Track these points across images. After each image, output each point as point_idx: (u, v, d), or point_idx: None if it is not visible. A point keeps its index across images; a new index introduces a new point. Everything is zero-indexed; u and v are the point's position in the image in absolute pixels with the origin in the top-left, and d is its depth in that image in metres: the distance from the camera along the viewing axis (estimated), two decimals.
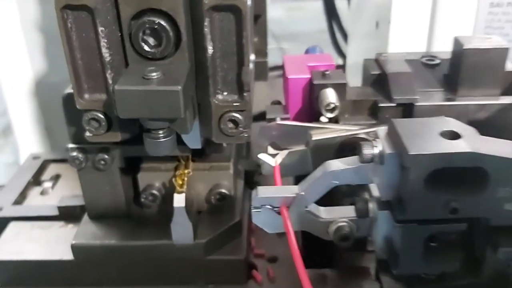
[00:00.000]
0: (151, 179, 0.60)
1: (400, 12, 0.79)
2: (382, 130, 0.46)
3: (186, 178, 0.58)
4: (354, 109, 0.59)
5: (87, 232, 0.60)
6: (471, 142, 0.42)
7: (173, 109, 0.43)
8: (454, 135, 0.43)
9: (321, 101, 0.56)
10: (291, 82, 0.59)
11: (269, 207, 0.47)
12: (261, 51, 0.79)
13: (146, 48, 0.45)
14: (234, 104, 0.48)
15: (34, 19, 0.87)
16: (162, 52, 0.45)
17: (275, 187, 0.50)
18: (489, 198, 0.43)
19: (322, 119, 0.58)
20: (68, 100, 0.54)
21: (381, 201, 0.46)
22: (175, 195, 0.56)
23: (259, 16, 0.77)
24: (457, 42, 0.58)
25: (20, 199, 0.71)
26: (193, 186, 0.60)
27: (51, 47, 0.89)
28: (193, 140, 0.53)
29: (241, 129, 0.49)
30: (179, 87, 0.42)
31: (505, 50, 0.56)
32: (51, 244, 0.62)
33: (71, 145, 0.57)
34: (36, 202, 0.71)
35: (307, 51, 0.72)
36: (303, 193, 0.47)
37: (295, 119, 0.61)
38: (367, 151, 0.44)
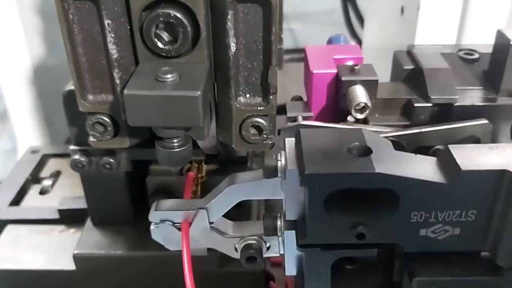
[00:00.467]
0: (160, 183, 0.55)
1: None
2: (289, 141, 0.41)
3: (199, 184, 0.52)
4: (385, 108, 0.53)
5: (90, 240, 0.55)
6: (381, 160, 0.36)
7: (190, 117, 0.37)
8: (363, 151, 0.38)
9: (350, 100, 0.51)
10: (316, 77, 0.53)
11: (169, 223, 0.44)
12: None
13: (160, 44, 0.39)
14: (258, 108, 0.42)
15: None
16: (178, 50, 0.39)
17: (176, 200, 0.46)
18: (401, 223, 0.38)
19: (350, 119, 0.52)
20: (70, 98, 0.49)
21: (287, 220, 0.42)
22: None
23: None
24: (500, 35, 0.52)
25: (17, 199, 0.66)
26: (206, 192, 0.54)
27: (49, 28, 0.83)
28: (209, 144, 0.47)
29: (264, 135, 0.43)
30: (198, 93, 0.36)
31: None
32: (51, 251, 0.58)
33: (73, 147, 0.51)
34: (35, 202, 0.66)
35: (329, 41, 0.66)
36: (206, 207, 0.43)
37: (318, 118, 0.55)
38: (269, 164, 0.40)
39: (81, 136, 0.50)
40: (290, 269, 0.44)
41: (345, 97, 0.51)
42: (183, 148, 0.41)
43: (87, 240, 0.55)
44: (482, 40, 0.72)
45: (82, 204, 0.59)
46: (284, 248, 0.44)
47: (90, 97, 0.43)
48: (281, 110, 0.54)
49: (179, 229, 0.44)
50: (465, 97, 0.51)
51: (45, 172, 0.72)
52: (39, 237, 0.59)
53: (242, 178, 0.43)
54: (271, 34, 0.39)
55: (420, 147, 0.49)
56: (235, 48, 0.39)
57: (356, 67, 0.52)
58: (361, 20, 1.19)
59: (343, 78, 0.51)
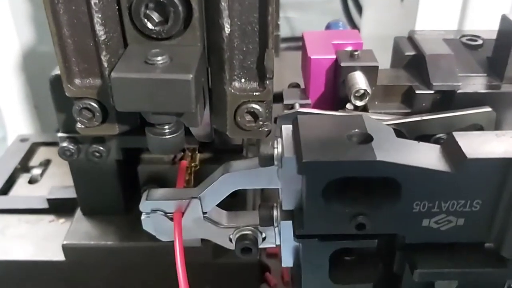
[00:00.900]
0: (152, 171, 0.53)
1: None
2: (286, 128, 0.39)
3: (192, 173, 0.51)
4: (385, 96, 0.51)
5: (80, 230, 0.54)
6: (382, 147, 0.35)
7: (182, 102, 0.35)
8: (364, 138, 0.36)
9: (349, 86, 0.49)
10: (314, 63, 0.51)
11: (161, 213, 0.42)
12: None
13: (149, 25, 0.37)
14: (254, 93, 0.40)
15: None
16: (169, 31, 0.37)
17: (168, 189, 0.44)
18: (403, 213, 0.36)
19: (348, 106, 0.51)
20: (57, 83, 0.46)
21: (283, 210, 0.40)
22: None
23: None
24: (505, 21, 0.50)
25: (6, 188, 0.64)
26: (200, 181, 0.53)
27: (39, 14, 0.80)
28: (202, 131, 0.45)
29: (260, 122, 0.41)
30: (191, 76, 0.34)
31: None
32: (40, 242, 0.56)
33: (61, 134, 0.49)
34: (24, 191, 0.64)
35: (328, 27, 0.64)
36: (199, 197, 0.42)
37: (316, 105, 0.53)
38: (265, 152, 0.38)
39: (69, 122, 0.48)
40: (287, 261, 0.43)
41: (344, 83, 0.49)
42: (174, 135, 0.39)
43: (77, 230, 0.53)
44: (484, 28, 0.71)
45: (71, 193, 0.57)
46: (280, 239, 0.42)
47: (77, 81, 0.41)
48: (278, 98, 0.52)
49: (171, 219, 0.43)
50: (468, 84, 0.49)
51: (35, 161, 0.70)
52: (27, 227, 0.58)
53: (236, 166, 0.41)
54: (267, 15, 0.37)
55: (421, 135, 0.47)
56: (229, 29, 0.37)
57: (356, 53, 0.50)
58: (359, 8, 1.16)
59: (342, 64, 0.49)
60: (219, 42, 0.38)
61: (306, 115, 0.44)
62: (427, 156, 0.36)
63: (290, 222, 0.40)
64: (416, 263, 0.38)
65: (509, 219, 0.36)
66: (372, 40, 0.95)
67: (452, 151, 0.35)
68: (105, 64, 0.39)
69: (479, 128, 0.47)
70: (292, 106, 0.52)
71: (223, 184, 0.42)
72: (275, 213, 0.42)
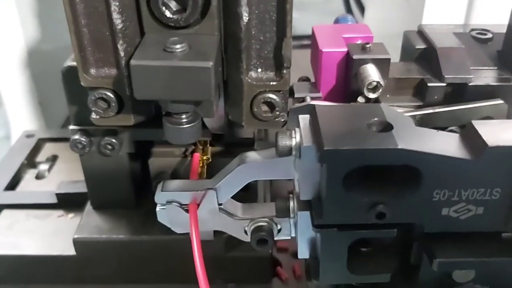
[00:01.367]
0: (163, 165, 0.53)
1: None
2: (303, 118, 0.39)
3: (205, 166, 0.50)
4: (397, 88, 0.51)
5: (91, 224, 0.53)
6: (403, 136, 0.35)
7: (201, 90, 0.35)
8: (384, 127, 0.36)
9: (362, 79, 0.49)
10: (325, 56, 0.51)
11: (176, 204, 0.42)
12: None
13: (168, 13, 0.37)
14: (271, 83, 0.40)
15: None
16: (187, 19, 0.37)
17: (184, 180, 0.44)
18: (423, 202, 0.36)
19: (360, 99, 0.50)
20: (69, 74, 0.46)
21: (301, 201, 0.40)
22: None
23: None
24: None
25: (13, 184, 0.64)
26: (211, 174, 0.52)
27: (44, 11, 0.80)
28: (216, 123, 0.45)
29: (277, 112, 0.41)
30: (211, 63, 0.34)
31: None
32: (50, 237, 0.55)
33: (72, 127, 0.49)
34: (31, 187, 0.64)
35: (336, 21, 0.63)
36: (215, 188, 0.41)
37: (327, 98, 0.53)
38: (283, 142, 0.38)
39: (81, 115, 0.48)
40: (303, 252, 0.43)
41: (356, 76, 0.49)
42: (192, 124, 0.39)
43: (88, 224, 0.53)
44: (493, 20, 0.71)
45: (81, 188, 0.57)
46: (297, 230, 0.42)
47: (93, 71, 0.40)
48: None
49: (187, 210, 0.42)
50: (479, 77, 0.49)
51: (41, 156, 0.69)
52: (36, 222, 0.57)
53: (253, 157, 0.41)
54: (286, 3, 0.37)
55: (433, 128, 0.47)
56: (247, 18, 0.37)
57: (368, 46, 0.50)
58: (361, 7, 1.17)
59: (355, 57, 0.49)
60: (237, 31, 0.38)
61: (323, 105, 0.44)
62: (447, 145, 0.36)
63: (308, 212, 0.40)
64: (435, 253, 0.38)
65: None
66: (375, 38, 0.95)
67: (472, 139, 0.35)
68: (122, 53, 0.39)
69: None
70: (303, 100, 0.52)
71: (239, 175, 0.41)
72: (291, 204, 0.42)
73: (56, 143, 0.71)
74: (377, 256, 0.41)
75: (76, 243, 0.52)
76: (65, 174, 0.64)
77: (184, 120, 0.38)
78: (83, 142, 0.49)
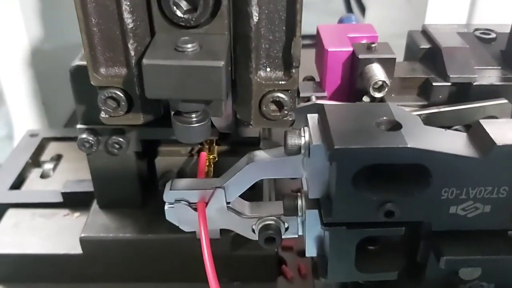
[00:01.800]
0: (169, 164, 0.53)
1: None
2: (312, 117, 0.40)
3: (212, 165, 0.51)
4: (402, 88, 0.52)
5: (97, 223, 0.53)
6: (412, 135, 0.35)
7: (212, 89, 0.35)
8: (393, 125, 0.37)
9: (368, 78, 0.49)
10: (331, 55, 0.51)
11: (184, 203, 0.42)
12: None
13: (178, 13, 0.37)
14: (280, 82, 0.40)
15: None
16: (198, 19, 0.37)
17: (192, 179, 0.44)
18: (431, 200, 0.37)
19: (365, 99, 0.51)
20: (77, 74, 0.46)
21: (309, 199, 0.40)
22: None
23: None
24: None
25: (18, 183, 0.64)
26: (218, 173, 0.53)
27: (48, 11, 0.80)
28: (224, 122, 0.45)
29: (285, 112, 0.41)
30: (222, 63, 0.35)
31: None
32: (56, 236, 0.55)
33: (80, 126, 0.49)
34: (36, 186, 0.64)
35: (341, 21, 0.64)
36: (223, 186, 0.42)
37: (332, 97, 0.54)
38: (293, 141, 0.38)
39: (89, 114, 0.48)
40: (311, 250, 0.43)
41: (362, 75, 0.49)
42: (201, 123, 0.39)
43: (94, 223, 0.53)
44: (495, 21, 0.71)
45: (86, 187, 0.57)
46: (305, 228, 0.42)
47: (103, 70, 0.41)
48: None
49: (195, 209, 0.43)
50: (483, 77, 0.50)
51: (46, 155, 0.69)
52: (42, 221, 0.57)
53: (261, 156, 0.41)
54: (296, 3, 0.37)
55: (438, 127, 0.48)
56: (257, 17, 0.38)
57: (373, 45, 0.50)
58: (362, 8, 1.17)
59: (360, 56, 0.49)
60: (246, 31, 0.38)
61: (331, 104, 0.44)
62: (455, 143, 0.36)
63: (316, 211, 0.40)
64: (443, 251, 0.38)
65: None
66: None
67: (480, 138, 0.36)
68: (132, 53, 0.39)
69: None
70: (308, 99, 0.52)
71: (247, 173, 0.42)
72: (299, 202, 0.42)
73: (60, 142, 0.71)
74: (385, 254, 0.42)
75: (83, 241, 0.52)
76: (70, 173, 0.64)
77: (194, 119, 0.39)
78: (90, 141, 0.49)
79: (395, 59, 0.49)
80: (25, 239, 0.55)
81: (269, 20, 0.38)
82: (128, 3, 0.37)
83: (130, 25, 0.38)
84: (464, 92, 0.49)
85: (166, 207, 0.43)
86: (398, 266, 0.41)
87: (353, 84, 0.52)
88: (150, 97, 0.36)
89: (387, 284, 0.42)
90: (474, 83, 0.49)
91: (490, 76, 0.50)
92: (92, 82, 0.40)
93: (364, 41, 0.52)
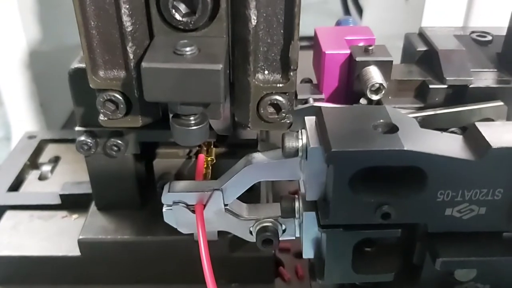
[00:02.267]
0: (167, 166, 0.53)
1: None
2: (309, 119, 0.40)
3: (210, 167, 0.51)
4: (399, 90, 0.52)
5: (96, 225, 0.53)
6: (408, 137, 0.36)
7: (211, 92, 0.36)
8: (389, 128, 0.37)
9: (365, 80, 0.49)
10: (328, 58, 0.51)
11: (182, 205, 0.43)
12: None
13: (177, 16, 0.37)
14: (277, 85, 0.41)
15: None
16: (196, 22, 0.37)
17: (190, 181, 0.45)
18: (427, 202, 0.37)
19: (362, 101, 0.51)
20: (76, 76, 0.47)
21: (306, 201, 0.41)
22: None
23: None
24: None
25: (16, 184, 0.64)
26: (216, 175, 0.53)
27: (46, 12, 0.80)
28: (222, 125, 0.46)
29: (283, 114, 0.42)
30: (220, 66, 0.35)
31: None
32: (54, 237, 0.55)
33: (78, 128, 0.49)
34: (34, 188, 0.64)
35: (338, 23, 0.63)
36: (221, 188, 0.42)
37: (329, 100, 0.54)
38: (290, 143, 0.38)
39: (87, 116, 0.48)
40: (308, 252, 0.43)
41: (359, 78, 0.50)
42: (200, 126, 0.39)
43: (92, 225, 0.53)
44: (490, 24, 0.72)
45: (85, 189, 0.57)
46: (302, 230, 0.42)
47: (101, 73, 0.41)
48: None
49: (193, 211, 0.43)
50: (480, 79, 0.50)
51: (44, 157, 0.69)
52: (40, 223, 0.57)
53: (259, 158, 0.41)
54: (294, 6, 0.37)
55: (434, 129, 0.48)
56: (256, 21, 0.38)
57: (370, 48, 0.51)
58: (359, 9, 1.18)
59: (357, 59, 0.50)
60: (245, 34, 0.39)
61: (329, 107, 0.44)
62: (451, 146, 0.36)
63: (313, 213, 0.40)
64: (438, 252, 0.39)
65: None
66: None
67: (476, 140, 0.36)
68: (131, 56, 0.39)
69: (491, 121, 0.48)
70: (305, 101, 0.53)
71: (245, 175, 0.42)
72: (296, 204, 0.42)
73: (58, 144, 0.71)
74: (381, 255, 0.42)
75: (81, 243, 0.52)
76: (68, 175, 0.65)
77: (193, 122, 0.39)
78: (89, 143, 0.49)
79: (392, 61, 0.50)
80: (23, 241, 0.55)
81: (267, 24, 0.39)
82: (127, 6, 0.37)
83: (129, 28, 0.38)
84: (461, 94, 0.49)
85: (164, 209, 0.43)
86: (395, 267, 0.41)
87: (350, 86, 0.52)
88: (149, 100, 0.37)
89: (383, 285, 0.43)
90: (471, 86, 0.49)
91: (487, 78, 0.50)
92: (91, 85, 0.41)
93: (361, 44, 0.53)
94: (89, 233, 0.53)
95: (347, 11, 1.21)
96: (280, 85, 0.41)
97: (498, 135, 0.36)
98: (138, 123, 0.43)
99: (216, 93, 0.36)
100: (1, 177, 0.64)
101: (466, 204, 0.37)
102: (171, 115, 0.40)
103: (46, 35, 0.81)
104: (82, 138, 0.49)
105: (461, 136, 0.38)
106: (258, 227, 0.44)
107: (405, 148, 0.34)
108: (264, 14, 0.38)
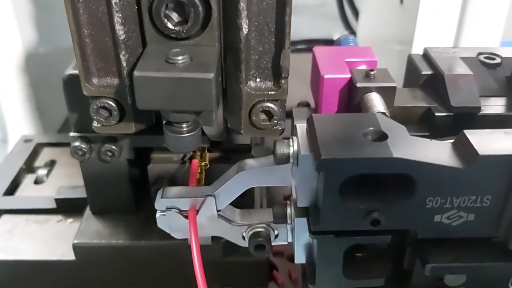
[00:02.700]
0: (162, 171, 0.54)
1: None
2: (301, 127, 0.40)
3: (203, 172, 0.51)
4: (403, 117, 0.46)
5: (90, 229, 0.54)
6: (397, 145, 0.36)
7: (203, 100, 0.36)
8: (379, 136, 0.37)
9: (366, 108, 0.45)
10: (327, 82, 0.48)
11: (175, 210, 0.43)
12: None
13: (169, 25, 0.38)
14: (269, 92, 0.41)
15: None
16: (189, 31, 0.38)
17: (183, 187, 0.45)
18: (416, 209, 0.38)
19: None
20: (70, 83, 0.47)
21: (298, 207, 0.41)
22: None
23: None
24: None
25: (11, 188, 0.64)
26: (209, 180, 0.53)
27: (42, 15, 0.81)
28: (215, 131, 0.46)
29: (275, 121, 0.42)
30: (212, 75, 0.35)
31: None
32: (49, 241, 0.56)
33: (73, 134, 0.50)
34: (30, 192, 0.64)
35: (338, 43, 0.58)
36: (214, 194, 0.43)
37: None
38: (282, 150, 0.39)
39: (82, 122, 0.49)
40: (300, 257, 0.44)
41: (360, 105, 0.46)
42: (192, 133, 0.39)
43: (87, 229, 0.54)
44: (483, 31, 0.72)
45: (80, 193, 0.58)
46: (294, 236, 0.43)
47: (95, 80, 0.41)
48: (287, 115, 0.47)
49: (186, 217, 0.43)
50: (488, 106, 0.47)
51: (39, 161, 0.70)
52: (36, 227, 0.58)
53: (251, 164, 0.42)
54: (285, 16, 0.38)
55: None
56: (247, 30, 0.38)
57: (372, 72, 0.47)
58: (355, 12, 1.18)
59: (358, 85, 0.46)
60: (236, 42, 0.39)
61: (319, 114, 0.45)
62: (440, 153, 0.37)
63: (304, 219, 0.41)
64: (428, 258, 0.39)
65: None
66: (368, 43, 0.97)
67: (464, 148, 0.37)
68: (124, 64, 0.40)
69: None
70: None
71: (238, 182, 0.42)
72: (288, 210, 0.43)
73: (54, 148, 0.72)
74: (372, 261, 0.42)
75: (76, 248, 0.53)
76: (64, 179, 0.65)
77: (185, 129, 0.39)
78: (83, 149, 0.49)
79: (395, 87, 0.46)
80: (19, 245, 0.55)
81: (259, 32, 0.39)
82: (120, 15, 0.38)
83: (122, 37, 0.39)
84: (469, 122, 0.46)
85: (157, 214, 0.44)
86: (385, 273, 0.42)
87: (350, 112, 0.48)
88: (141, 108, 0.37)
89: None
90: (479, 113, 0.46)
91: (496, 105, 0.48)
92: (84, 92, 0.41)
93: (362, 66, 0.50)
94: (84, 237, 0.53)
95: (343, 14, 1.21)
96: (272, 92, 0.41)
97: (486, 143, 0.36)
98: (131, 130, 0.43)
99: (208, 101, 0.36)
100: None
101: (455, 211, 0.38)
102: (164, 122, 0.40)
103: (43, 38, 0.81)
104: (77, 143, 0.49)
105: (449, 144, 0.38)
106: (250, 233, 0.44)
107: (394, 156, 0.35)
108: (256, 23, 0.39)
